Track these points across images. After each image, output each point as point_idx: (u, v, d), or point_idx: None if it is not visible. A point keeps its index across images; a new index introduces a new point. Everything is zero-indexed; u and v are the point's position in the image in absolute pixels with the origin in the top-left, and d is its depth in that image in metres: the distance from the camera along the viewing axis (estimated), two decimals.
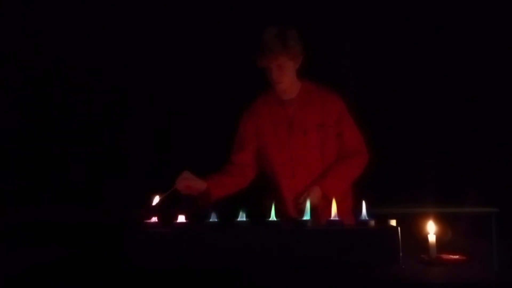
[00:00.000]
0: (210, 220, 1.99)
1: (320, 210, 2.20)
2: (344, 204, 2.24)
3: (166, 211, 2.06)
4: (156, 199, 2.11)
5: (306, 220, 1.96)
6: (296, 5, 3.42)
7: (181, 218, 2.01)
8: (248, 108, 2.51)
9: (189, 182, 2.27)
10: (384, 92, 3.36)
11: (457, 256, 1.99)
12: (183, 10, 3.46)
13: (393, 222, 1.97)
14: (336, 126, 2.40)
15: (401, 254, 1.87)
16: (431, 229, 1.99)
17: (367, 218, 1.95)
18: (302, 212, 2.02)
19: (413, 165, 3.33)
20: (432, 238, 1.97)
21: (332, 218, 1.97)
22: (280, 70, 2.34)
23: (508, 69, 3.31)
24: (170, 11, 3.48)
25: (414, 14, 3.41)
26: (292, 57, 2.35)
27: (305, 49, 2.37)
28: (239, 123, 2.49)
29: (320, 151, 2.38)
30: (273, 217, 1.98)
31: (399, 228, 1.95)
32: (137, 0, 3.50)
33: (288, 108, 2.42)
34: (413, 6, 3.40)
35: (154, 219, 2.04)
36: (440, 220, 2.12)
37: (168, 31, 3.47)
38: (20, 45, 3.44)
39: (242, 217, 1.97)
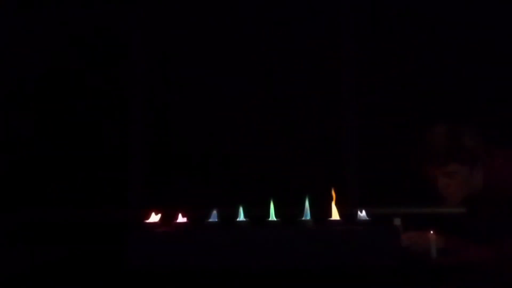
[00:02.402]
0: (210, 220, 1.99)
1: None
2: None
3: None
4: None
5: (306, 220, 1.96)
6: (295, 5, 3.42)
7: (181, 218, 2.01)
8: None
9: None
10: (386, 91, 3.35)
11: (457, 258, 1.99)
12: (183, 8, 3.46)
13: (397, 221, 1.97)
14: None
15: (403, 255, 1.87)
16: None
17: (367, 218, 1.95)
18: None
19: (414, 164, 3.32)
20: (432, 238, 1.97)
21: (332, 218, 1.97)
22: (451, 178, 2.03)
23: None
24: (169, 8, 3.48)
25: (414, 13, 3.41)
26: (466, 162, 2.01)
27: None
28: None
29: None
30: (273, 217, 1.97)
31: (400, 228, 1.95)
32: None
33: None
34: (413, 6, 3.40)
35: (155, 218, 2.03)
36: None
37: (168, 28, 3.47)
38: (18, 44, 3.44)
39: (240, 215, 1.97)
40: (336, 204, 2.01)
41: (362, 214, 1.95)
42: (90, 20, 3.46)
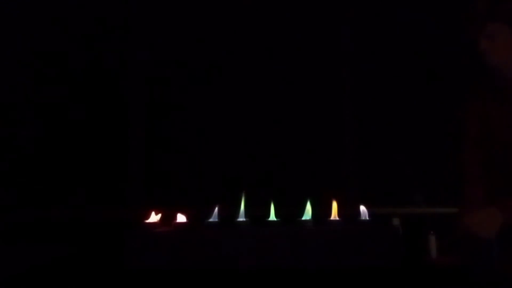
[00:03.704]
0: (211, 219, 1.99)
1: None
2: None
3: None
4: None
5: (306, 220, 1.96)
6: (296, 5, 3.42)
7: (181, 218, 2.01)
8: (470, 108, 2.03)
9: None
10: (386, 91, 3.36)
11: (457, 258, 1.98)
12: (183, 7, 3.46)
13: (396, 221, 1.97)
14: None
15: (402, 254, 1.86)
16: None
17: (367, 218, 1.95)
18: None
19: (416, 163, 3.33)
20: (432, 238, 1.97)
21: (332, 218, 1.97)
22: (493, 41, 1.83)
23: None
24: (169, 8, 3.48)
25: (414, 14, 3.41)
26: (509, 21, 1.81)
27: None
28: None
29: None
30: (273, 217, 1.98)
31: (400, 228, 1.95)
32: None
33: None
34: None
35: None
36: None
37: (168, 27, 3.47)
38: (18, 44, 3.44)
39: (241, 215, 1.97)
40: (337, 205, 2.01)
41: (364, 212, 1.95)
42: (89, 20, 3.46)
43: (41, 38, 3.45)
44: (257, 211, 2.00)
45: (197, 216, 2.03)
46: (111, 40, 3.46)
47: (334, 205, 1.99)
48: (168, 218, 2.05)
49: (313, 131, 3.34)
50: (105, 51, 3.46)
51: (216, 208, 2.00)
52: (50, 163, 3.39)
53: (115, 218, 3.03)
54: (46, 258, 2.15)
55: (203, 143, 3.37)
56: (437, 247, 1.96)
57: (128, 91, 3.44)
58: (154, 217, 2.04)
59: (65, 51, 3.45)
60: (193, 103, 3.41)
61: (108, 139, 3.42)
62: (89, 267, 2.00)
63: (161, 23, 3.48)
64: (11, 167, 3.36)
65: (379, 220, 1.98)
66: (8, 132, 3.38)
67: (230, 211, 2.03)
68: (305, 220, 1.96)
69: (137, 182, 3.36)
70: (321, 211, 2.07)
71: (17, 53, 3.44)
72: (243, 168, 3.29)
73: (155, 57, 3.47)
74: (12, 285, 1.76)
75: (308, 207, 1.99)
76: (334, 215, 1.98)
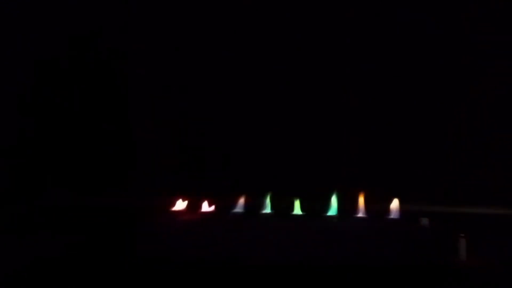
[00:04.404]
0: (236, 210, 1.99)
1: None
2: None
3: None
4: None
5: (331, 216, 1.94)
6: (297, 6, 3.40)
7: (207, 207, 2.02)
8: None
9: None
10: (389, 91, 3.31)
11: (485, 260, 1.94)
12: (183, 7, 3.47)
13: (424, 221, 1.93)
14: None
15: (432, 254, 1.83)
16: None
17: (397, 216, 1.92)
18: None
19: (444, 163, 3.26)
20: (462, 240, 1.92)
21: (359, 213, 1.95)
22: None
23: None
24: (169, 8, 3.50)
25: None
26: None
27: None
28: None
29: None
30: (298, 211, 1.97)
31: (428, 228, 1.91)
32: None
33: None
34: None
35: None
36: None
37: (168, 27, 3.48)
38: (18, 43, 3.51)
39: (267, 206, 1.97)
40: (365, 202, 1.99)
41: (393, 212, 1.92)
42: (90, 20, 3.50)
43: (41, 37, 3.51)
44: (283, 205, 2.00)
45: (224, 206, 2.04)
46: (113, 38, 3.50)
47: (361, 199, 1.97)
48: (196, 206, 2.07)
49: (340, 128, 3.31)
50: (107, 50, 3.50)
51: (242, 199, 2.01)
52: (63, 152, 3.44)
53: (129, 206, 3.06)
54: (55, 248, 2.18)
55: (234, 137, 3.38)
56: (466, 248, 1.91)
57: (131, 83, 3.47)
58: (180, 205, 2.06)
59: (67, 50, 3.50)
60: (196, 97, 3.42)
61: (133, 128, 3.47)
62: (99, 258, 2.02)
63: (161, 22, 3.49)
64: (22, 158, 3.42)
65: (407, 219, 1.95)
66: (12, 126, 3.44)
67: (257, 202, 2.03)
68: (331, 216, 1.94)
69: (166, 171, 3.38)
70: (348, 207, 2.06)
71: (18, 53, 3.51)
72: (272, 163, 3.29)
73: (156, 55, 3.50)
74: (19, 276, 1.80)
75: (334, 202, 1.97)
76: (362, 209, 1.96)
